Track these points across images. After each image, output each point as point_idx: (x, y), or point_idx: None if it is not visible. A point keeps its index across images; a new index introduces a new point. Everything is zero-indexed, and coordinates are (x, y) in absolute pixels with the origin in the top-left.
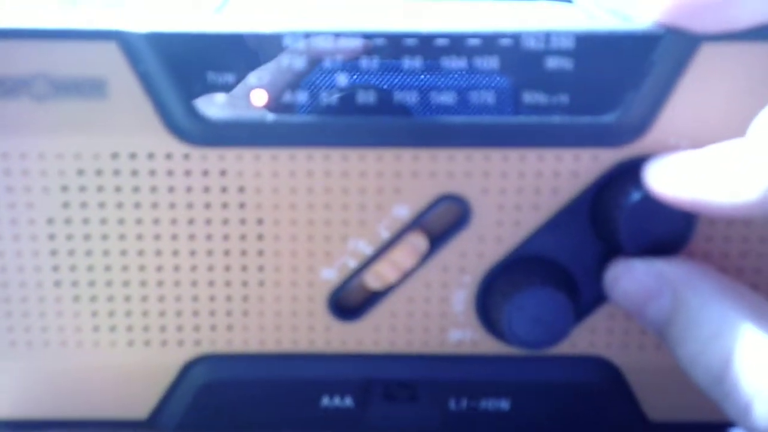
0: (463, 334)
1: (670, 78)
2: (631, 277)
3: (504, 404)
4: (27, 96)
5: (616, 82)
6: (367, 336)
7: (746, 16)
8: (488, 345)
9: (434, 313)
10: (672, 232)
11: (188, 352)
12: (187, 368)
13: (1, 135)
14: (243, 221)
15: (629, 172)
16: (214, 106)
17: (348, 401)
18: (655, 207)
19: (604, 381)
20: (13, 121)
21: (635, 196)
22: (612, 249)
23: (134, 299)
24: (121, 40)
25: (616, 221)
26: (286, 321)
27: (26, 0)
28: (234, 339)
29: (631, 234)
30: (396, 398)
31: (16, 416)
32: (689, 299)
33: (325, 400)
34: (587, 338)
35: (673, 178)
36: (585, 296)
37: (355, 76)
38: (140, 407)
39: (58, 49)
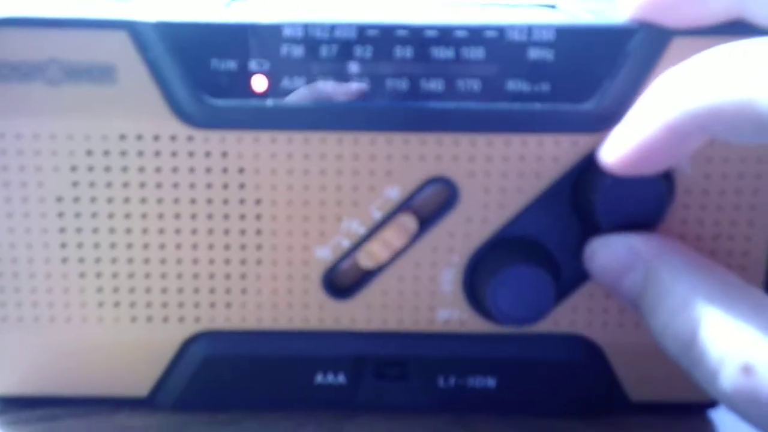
0: (451, 313)
1: (644, 69)
2: (607, 252)
3: (491, 382)
4: (41, 80)
5: (594, 72)
6: (359, 314)
7: (713, 13)
8: (475, 324)
9: (424, 292)
10: (645, 210)
11: (188, 329)
12: (187, 344)
13: (15, 116)
14: (242, 201)
15: None
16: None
17: (341, 378)
18: (628, 187)
19: (586, 359)
20: (27, 103)
21: (609, 176)
22: (591, 230)
23: (138, 276)
24: (131, 29)
25: (593, 201)
26: (282, 299)
27: None
28: (232, 316)
29: (607, 212)
30: (387, 376)
31: (21, 393)
32: (660, 271)
33: (319, 377)
34: (569, 317)
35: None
36: (566, 275)
37: (350, 64)
38: (141, 384)
39: (71, 37)
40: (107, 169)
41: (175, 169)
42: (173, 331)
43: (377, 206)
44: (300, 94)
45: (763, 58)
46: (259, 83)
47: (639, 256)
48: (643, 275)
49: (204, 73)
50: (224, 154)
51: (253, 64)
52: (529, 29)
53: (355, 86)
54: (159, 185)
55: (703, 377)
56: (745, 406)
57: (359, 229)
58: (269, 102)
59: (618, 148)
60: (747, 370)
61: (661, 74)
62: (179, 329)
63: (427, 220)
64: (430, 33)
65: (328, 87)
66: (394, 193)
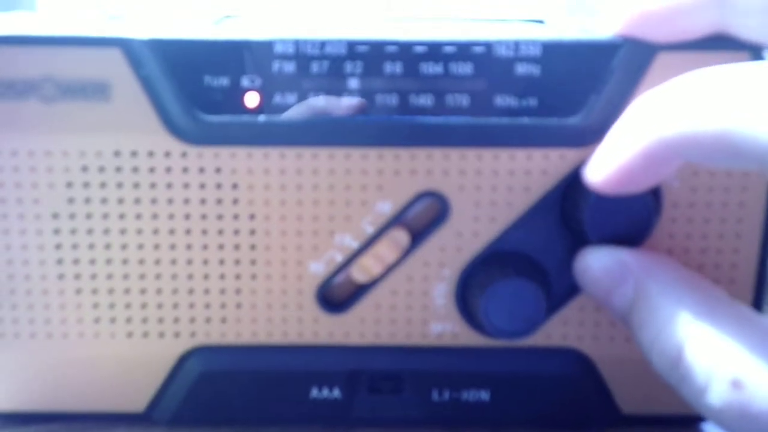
0: (443, 326)
1: (629, 83)
2: (599, 266)
3: (484, 395)
4: (35, 98)
5: (580, 87)
6: (353, 328)
7: (697, 28)
8: (468, 337)
9: (416, 306)
10: (634, 223)
11: (184, 344)
12: (183, 359)
13: (10, 134)
14: (236, 217)
15: None
16: (210, 107)
17: (336, 393)
18: (616, 201)
19: (578, 372)
20: (23, 121)
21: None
22: (581, 243)
23: (134, 291)
24: (125, 46)
25: (581, 214)
26: (276, 313)
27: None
28: (227, 331)
29: (595, 225)
30: (381, 390)
31: (18, 409)
32: (649, 286)
33: (314, 392)
34: (560, 330)
35: (596, 163)
36: (557, 288)
37: (341, 80)
38: (137, 400)
39: (65, 55)
40: (102, 185)
41: (169, 185)
42: (169, 347)
43: (369, 221)
44: (296, 110)
45: (739, 85)
46: (252, 99)
47: (629, 270)
48: (633, 290)
49: (197, 90)
50: (218, 170)
51: (245, 81)
52: (516, 45)
53: (352, 100)
54: (154, 201)
55: (691, 393)
56: (735, 421)
57: (352, 243)
58: (261, 118)
59: (601, 169)
60: (736, 384)
61: (646, 89)
62: (175, 344)
63: (418, 235)
64: (419, 49)
65: (324, 102)
66: (386, 208)
